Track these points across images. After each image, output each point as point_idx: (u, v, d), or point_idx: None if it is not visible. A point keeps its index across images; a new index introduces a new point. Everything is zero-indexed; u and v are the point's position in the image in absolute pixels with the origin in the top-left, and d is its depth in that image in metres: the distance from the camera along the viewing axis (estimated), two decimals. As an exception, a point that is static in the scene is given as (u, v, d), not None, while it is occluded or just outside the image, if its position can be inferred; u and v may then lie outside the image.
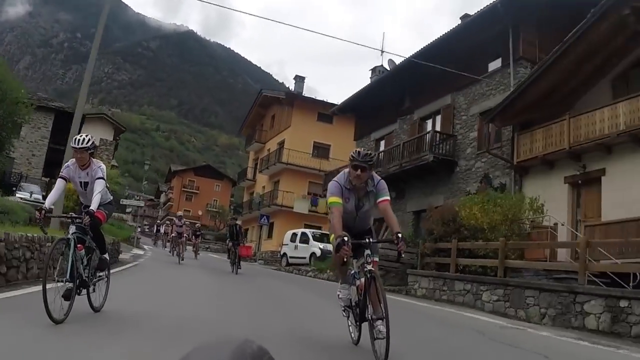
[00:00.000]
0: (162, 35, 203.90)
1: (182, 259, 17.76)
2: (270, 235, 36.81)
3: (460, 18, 20.92)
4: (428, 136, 19.66)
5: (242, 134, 51.42)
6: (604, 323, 7.90)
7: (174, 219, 21.20)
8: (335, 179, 4.89)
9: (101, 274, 5.75)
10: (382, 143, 24.53)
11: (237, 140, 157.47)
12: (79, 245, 5.11)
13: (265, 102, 41.00)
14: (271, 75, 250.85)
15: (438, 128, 20.40)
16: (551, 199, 14.95)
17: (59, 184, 5.47)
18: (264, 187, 39.43)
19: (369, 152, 4.86)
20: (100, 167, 5.50)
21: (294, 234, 25.34)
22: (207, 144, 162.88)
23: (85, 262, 5.30)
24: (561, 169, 15.11)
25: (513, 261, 11.27)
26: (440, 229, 13.77)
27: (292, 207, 34.13)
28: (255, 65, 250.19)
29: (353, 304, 4.92)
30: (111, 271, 11.27)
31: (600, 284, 10.30)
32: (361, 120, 27.23)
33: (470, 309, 10.67)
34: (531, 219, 14.04)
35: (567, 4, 16.32)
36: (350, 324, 5.12)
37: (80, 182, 5.53)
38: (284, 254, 25.36)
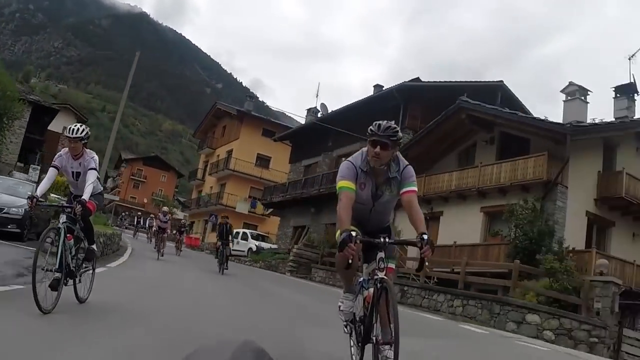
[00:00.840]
0: (114, 15, 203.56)
1: (162, 255, 17.84)
2: (214, 230, 43.69)
3: (374, 87, 28.78)
4: (341, 172, 27.38)
5: (197, 137, 57.74)
6: (398, 298, 15.67)
7: (160, 214, 21.06)
8: (349, 158, 3.86)
9: (88, 264, 5.74)
10: (310, 169, 32.12)
11: (181, 128, 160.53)
12: (68, 235, 5.13)
13: (219, 113, 47.65)
14: (220, 64, 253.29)
15: (349, 166, 28.14)
16: (411, 227, 22.83)
17: (51, 172, 5.51)
18: (211, 187, 46.14)
19: (393, 124, 3.68)
20: (93, 157, 5.56)
21: (237, 232, 32.44)
22: (151, 128, 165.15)
23: (73, 252, 5.30)
24: (419, 208, 23.05)
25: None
26: (332, 239, 21.43)
27: (235, 208, 41.10)
28: (205, 53, 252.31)
29: (357, 318, 3.91)
30: (123, 258, 15.84)
31: (416, 280, 18.12)
32: (296, 147, 34.77)
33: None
34: (391, 239, 21.95)
35: (442, 92, 24.31)
36: (352, 343, 4.06)
37: (72, 172, 5.56)
38: (227, 246, 32.42)
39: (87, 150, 5.64)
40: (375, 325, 3.54)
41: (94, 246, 5.88)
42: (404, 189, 3.81)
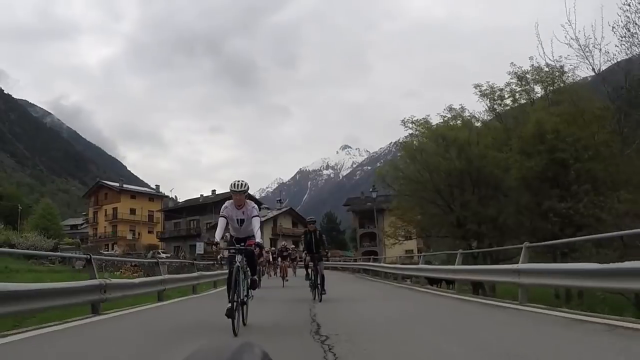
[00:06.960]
0: None
1: (287, 280, 19.89)
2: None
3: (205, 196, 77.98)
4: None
5: (86, 198, 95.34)
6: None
7: (283, 243, 24.58)
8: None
9: (250, 293, 6.91)
10: (176, 225, 79.41)
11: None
12: None
13: (102, 185, 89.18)
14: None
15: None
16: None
17: (222, 222, 6.74)
18: (105, 227, 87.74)
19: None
20: (254, 207, 6.80)
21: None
22: None
23: (243, 285, 6.47)
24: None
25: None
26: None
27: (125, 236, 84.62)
28: None
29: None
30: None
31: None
32: (167, 214, 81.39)
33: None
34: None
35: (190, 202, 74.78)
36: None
37: (237, 220, 6.80)
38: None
39: (247, 200, 6.84)
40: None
41: (256, 277, 7.29)
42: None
